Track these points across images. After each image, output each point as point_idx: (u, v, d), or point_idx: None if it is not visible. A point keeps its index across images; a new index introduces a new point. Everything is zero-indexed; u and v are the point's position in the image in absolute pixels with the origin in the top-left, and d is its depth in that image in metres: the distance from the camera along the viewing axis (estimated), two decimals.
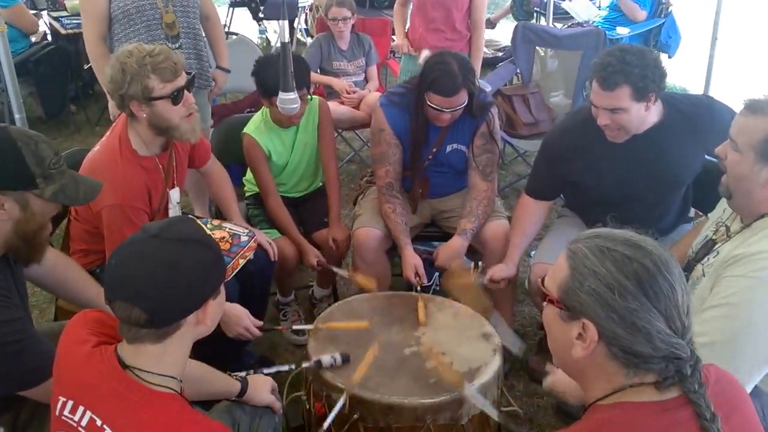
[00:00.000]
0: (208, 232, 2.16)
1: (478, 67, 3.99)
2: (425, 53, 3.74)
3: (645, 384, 1.22)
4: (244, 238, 2.12)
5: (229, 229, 2.25)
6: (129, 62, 2.17)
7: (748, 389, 1.75)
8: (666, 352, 1.18)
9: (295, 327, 2.32)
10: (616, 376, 1.23)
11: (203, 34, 3.28)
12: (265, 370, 2.05)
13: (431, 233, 3.11)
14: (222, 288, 1.45)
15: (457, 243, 2.75)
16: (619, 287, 1.18)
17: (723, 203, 2.13)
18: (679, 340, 1.18)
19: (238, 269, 1.88)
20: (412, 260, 2.71)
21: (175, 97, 2.23)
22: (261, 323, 2.30)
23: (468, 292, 2.42)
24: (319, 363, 2.02)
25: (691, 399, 1.19)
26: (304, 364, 2.07)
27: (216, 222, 2.33)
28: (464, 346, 2.14)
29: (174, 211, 2.47)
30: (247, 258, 1.99)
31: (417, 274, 2.68)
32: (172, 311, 1.33)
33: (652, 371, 1.21)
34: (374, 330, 2.21)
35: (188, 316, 1.36)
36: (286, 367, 2.13)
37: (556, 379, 1.79)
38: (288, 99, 2.20)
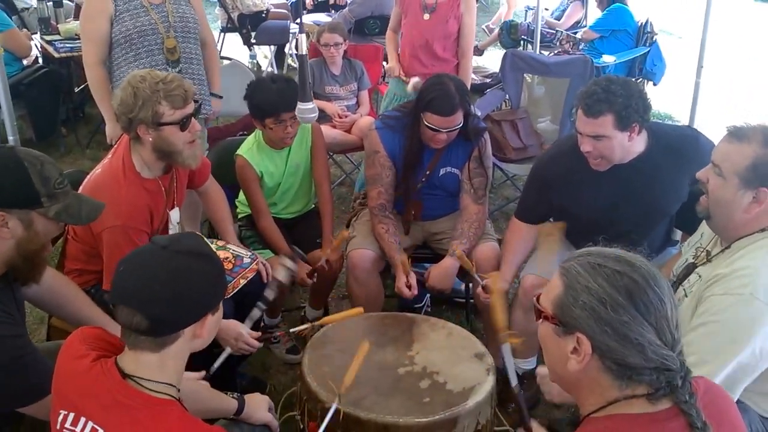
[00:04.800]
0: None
1: (472, 35, 4.03)
2: (414, 80, 3.80)
3: (637, 396, 1.26)
4: (246, 260, 2.14)
5: (233, 250, 2.27)
6: (142, 87, 2.19)
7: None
8: (657, 363, 1.22)
9: (292, 330, 2.35)
10: (609, 388, 1.27)
11: (202, 60, 3.32)
12: (216, 365, 2.10)
13: (423, 255, 3.14)
14: (221, 305, 1.48)
15: (449, 264, 2.78)
16: (611, 301, 1.23)
17: (702, 228, 2.17)
18: (670, 352, 1.23)
19: (237, 289, 1.91)
20: (404, 274, 2.73)
21: (183, 124, 2.26)
22: (259, 334, 2.31)
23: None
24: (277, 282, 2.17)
25: (683, 409, 1.23)
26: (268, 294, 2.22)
27: (220, 243, 2.34)
28: (458, 366, 2.16)
29: (173, 230, 2.48)
30: (248, 279, 2.02)
31: (409, 286, 2.71)
32: (172, 321, 1.37)
33: (643, 383, 1.25)
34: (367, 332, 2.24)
35: (187, 327, 1.39)
36: (224, 355, 2.18)
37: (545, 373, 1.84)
38: (306, 109, 2.29)
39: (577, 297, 1.26)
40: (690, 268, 2.07)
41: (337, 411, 1.88)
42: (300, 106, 2.28)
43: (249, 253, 2.07)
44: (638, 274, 1.24)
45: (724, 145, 1.91)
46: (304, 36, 2.19)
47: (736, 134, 1.88)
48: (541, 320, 1.35)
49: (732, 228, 1.93)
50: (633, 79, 5.95)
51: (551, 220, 2.96)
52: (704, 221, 2.10)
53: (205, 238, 2.32)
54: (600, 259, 1.28)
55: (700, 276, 1.99)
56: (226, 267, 1.92)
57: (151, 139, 2.26)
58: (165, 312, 1.34)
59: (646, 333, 1.22)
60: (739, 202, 1.87)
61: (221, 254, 2.19)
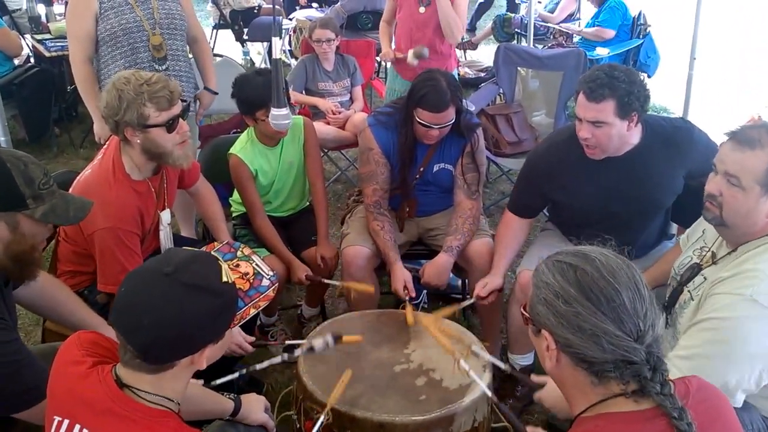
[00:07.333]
0: (236, 261, 2.12)
1: (463, 14, 3.94)
2: (411, 51, 3.77)
3: (617, 396, 1.26)
4: (265, 282, 2.04)
5: (256, 265, 2.17)
6: (126, 89, 2.17)
7: (734, 404, 1.77)
8: (617, 356, 1.22)
9: (288, 342, 2.32)
10: (586, 386, 1.29)
11: (190, 56, 3.29)
12: (218, 381, 2.01)
13: (418, 251, 3.13)
14: (227, 332, 1.42)
15: (444, 260, 2.77)
16: (564, 294, 1.25)
17: (702, 225, 2.14)
18: (633, 344, 1.22)
19: (246, 319, 1.82)
20: (401, 274, 2.72)
21: (170, 125, 2.24)
22: (253, 339, 2.30)
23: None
24: (311, 348, 2.02)
25: (657, 401, 1.23)
26: (297, 352, 2.07)
27: (247, 251, 2.27)
28: (454, 362, 2.15)
29: (164, 232, 2.47)
30: (260, 308, 1.92)
31: (406, 287, 2.70)
32: (164, 354, 1.33)
33: (612, 379, 1.26)
34: (362, 349, 2.21)
35: (182, 360, 1.35)
36: (236, 374, 2.08)
37: (543, 395, 1.84)
38: (280, 115, 2.24)
39: (539, 294, 1.30)
40: (695, 270, 2.05)
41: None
42: (273, 112, 2.24)
43: (270, 274, 1.96)
44: (591, 266, 1.26)
45: (735, 154, 1.83)
46: (277, 39, 2.16)
47: (743, 140, 1.82)
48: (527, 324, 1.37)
49: (750, 234, 1.88)
50: None
51: (545, 212, 2.96)
52: (699, 222, 2.09)
53: (232, 245, 2.23)
54: (561, 255, 1.31)
55: (705, 278, 1.97)
56: (242, 286, 1.80)
57: (139, 141, 2.24)
58: (155, 345, 1.30)
59: (601, 323, 1.22)
60: (762, 208, 1.83)
61: (243, 267, 2.09)
